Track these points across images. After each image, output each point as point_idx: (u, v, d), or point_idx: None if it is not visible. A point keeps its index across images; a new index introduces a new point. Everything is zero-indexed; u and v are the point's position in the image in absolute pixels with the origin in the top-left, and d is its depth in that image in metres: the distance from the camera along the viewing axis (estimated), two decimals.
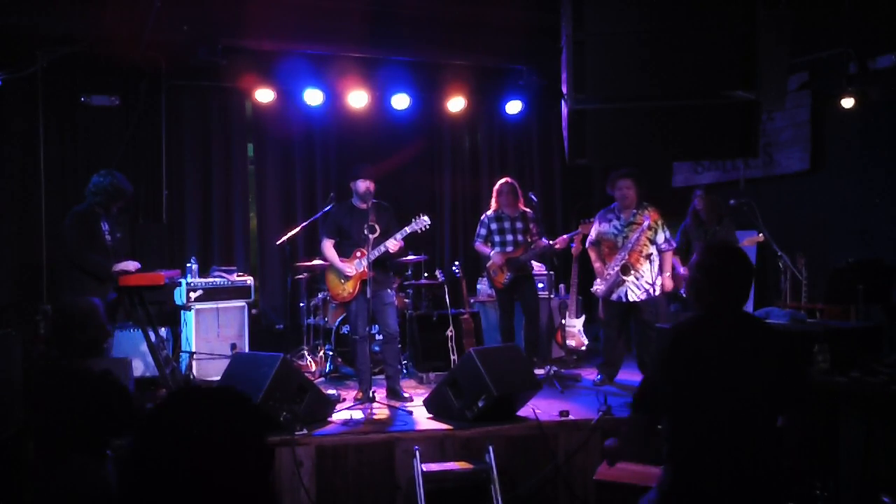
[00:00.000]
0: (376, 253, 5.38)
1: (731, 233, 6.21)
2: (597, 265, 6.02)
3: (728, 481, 2.58)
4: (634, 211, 5.86)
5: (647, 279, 5.82)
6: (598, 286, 5.95)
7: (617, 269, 5.83)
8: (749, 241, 6.16)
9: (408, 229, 5.46)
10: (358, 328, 5.51)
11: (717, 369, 2.63)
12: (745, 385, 2.62)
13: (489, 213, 6.44)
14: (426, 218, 5.54)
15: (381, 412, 5.09)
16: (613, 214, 5.97)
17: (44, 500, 3.05)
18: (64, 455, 3.00)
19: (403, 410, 5.12)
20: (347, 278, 5.47)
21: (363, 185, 5.49)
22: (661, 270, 5.89)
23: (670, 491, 2.68)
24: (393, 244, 5.38)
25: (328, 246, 5.57)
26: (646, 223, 5.80)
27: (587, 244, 6.11)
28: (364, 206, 5.52)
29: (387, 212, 5.60)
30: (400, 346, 5.83)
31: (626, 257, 5.80)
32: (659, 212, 5.93)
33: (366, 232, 5.38)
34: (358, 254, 5.47)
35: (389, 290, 5.63)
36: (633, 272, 5.80)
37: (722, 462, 2.59)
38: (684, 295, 6.18)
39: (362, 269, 5.40)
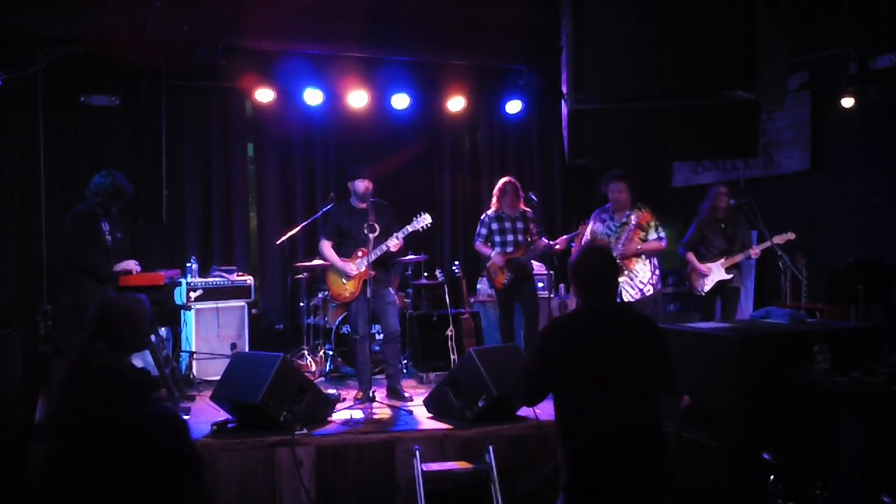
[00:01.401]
0: (378, 252, 5.39)
1: (746, 232, 6.20)
2: None
3: (617, 463, 2.78)
4: (628, 212, 5.86)
5: (640, 279, 5.82)
6: None
7: None
8: (779, 238, 6.09)
9: (409, 228, 5.46)
10: (359, 328, 5.51)
11: (593, 357, 2.85)
12: (620, 370, 2.84)
13: (489, 212, 6.43)
14: (427, 216, 5.54)
15: (381, 412, 5.10)
16: (607, 214, 5.99)
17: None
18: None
19: (403, 410, 5.13)
20: (349, 278, 5.47)
21: (362, 185, 5.49)
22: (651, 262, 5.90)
23: (571, 483, 2.88)
24: (394, 243, 5.39)
25: (327, 246, 5.57)
26: (633, 222, 5.79)
27: (582, 245, 6.12)
28: (363, 205, 5.53)
29: (386, 211, 5.61)
30: (400, 345, 5.84)
31: (618, 257, 5.81)
32: (653, 212, 5.93)
33: (366, 231, 5.39)
34: (359, 253, 5.47)
35: (390, 290, 5.64)
36: (625, 272, 5.81)
37: (609, 445, 2.79)
38: (700, 292, 6.17)
39: (364, 269, 5.41)
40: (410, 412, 5.06)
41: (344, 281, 5.50)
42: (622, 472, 2.77)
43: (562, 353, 2.86)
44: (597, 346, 2.86)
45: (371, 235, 5.39)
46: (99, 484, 2.95)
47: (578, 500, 2.87)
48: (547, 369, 2.89)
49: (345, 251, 5.56)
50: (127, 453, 2.97)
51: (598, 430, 2.80)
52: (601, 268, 3.01)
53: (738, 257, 6.04)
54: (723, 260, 6.06)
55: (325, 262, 5.68)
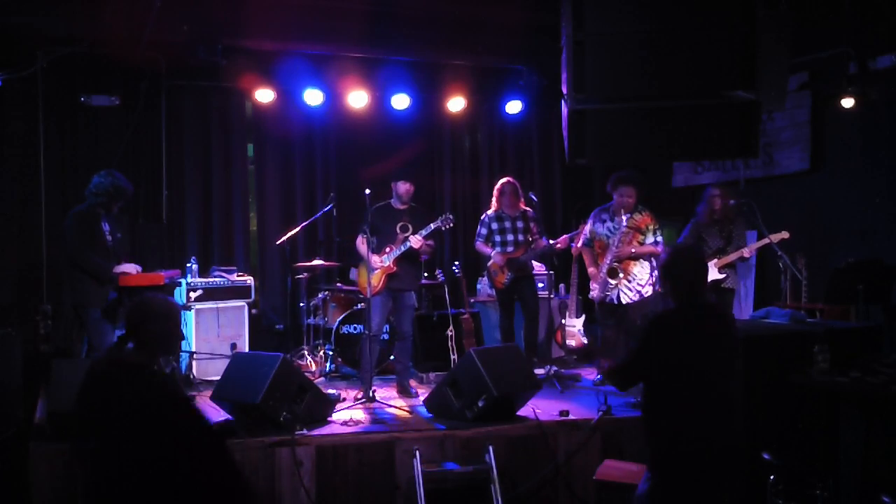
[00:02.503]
0: (402, 248, 5.54)
1: (743, 233, 6.15)
2: (591, 270, 6.01)
3: (708, 450, 3.02)
4: (628, 214, 5.83)
5: (639, 281, 5.81)
6: (594, 291, 5.96)
7: (603, 272, 5.83)
8: (773, 237, 6.06)
9: (432, 226, 5.59)
10: (372, 325, 5.56)
11: (695, 353, 3.06)
12: (716, 366, 3.08)
13: (490, 212, 6.44)
14: (451, 216, 5.68)
15: (380, 412, 5.09)
16: (607, 214, 5.96)
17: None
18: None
19: (403, 410, 5.13)
20: (373, 271, 5.56)
21: (403, 186, 5.69)
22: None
23: (661, 470, 3.08)
24: (416, 240, 5.52)
25: (361, 241, 5.71)
26: (624, 224, 5.77)
27: (580, 245, 6.11)
28: (402, 206, 5.72)
29: (423, 215, 5.75)
30: (411, 346, 5.89)
31: (613, 258, 5.79)
32: (653, 216, 5.91)
33: (398, 230, 5.59)
34: (387, 249, 5.62)
35: (413, 293, 5.74)
36: (620, 274, 5.80)
37: (699, 431, 3.02)
38: None
39: (388, 264, 5.56)
40: (410, 412, 5.07)
41: (369, 274, 5.60)
42: (713, 460, 3.01)
43: (665, 347, 3.07)
44: (699, 343, 3.07)
45: (402, 234, 5.59)
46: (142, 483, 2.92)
47: (669, 485, 3.07)
48: (647, 360, 3.11)
49: (376, 248, 5.67)
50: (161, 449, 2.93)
51: (694, 420, 3.02)
52: (695, 266, 3.21)
53: (731, 257, 6.00)
54: (716, 260, 6.04)
55: (327, 263, 5.70)
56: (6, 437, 4.58)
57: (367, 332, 5.61)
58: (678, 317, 3.18)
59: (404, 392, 5.62)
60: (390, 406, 5.22)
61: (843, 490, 3.69)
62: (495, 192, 6.43)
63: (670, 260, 3.25)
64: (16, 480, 4.17)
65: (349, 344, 6.46)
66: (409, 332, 5.73)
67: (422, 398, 5.22)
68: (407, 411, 5.10)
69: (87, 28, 6.20)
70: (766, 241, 5.99)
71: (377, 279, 5.58)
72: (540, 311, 6.39)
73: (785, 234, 5.94)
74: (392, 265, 5.58)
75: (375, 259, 5.58)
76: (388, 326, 6.37)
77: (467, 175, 8.62)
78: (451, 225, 5.70)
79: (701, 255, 3.44)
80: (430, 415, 4.94)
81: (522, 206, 6.39)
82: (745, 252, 5.96)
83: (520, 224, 6.32)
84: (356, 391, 5.57)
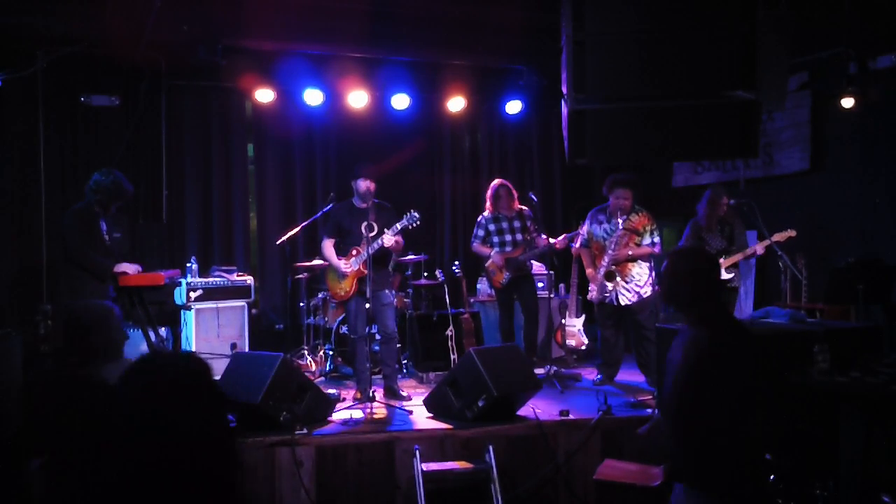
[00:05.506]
0: (371, 249, 5.36)
1: (743, 232, 6.14)
2: (589, 271, 6.00)
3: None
4: (625, 217, 5.83)
5: (637, 282, 5.81)
6: (592, 292, 5.95)
7: (601, 275, 5.83)
8: (780, 235, 6.03)
9: (398, 225, 5.42)
10: (357, 328, 5.51)
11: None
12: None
13: (486, 214, 6.46)
14: (416, 213, 5.47)
15: (380, 412, 5.09)
16: (604, 216, 5.95)
17: None
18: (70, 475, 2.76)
19: (403, 410, 5.12)
20: (344, 276, 5.48)
21: (363, 184, 5.51)
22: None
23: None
24: (388, 239, 5.35)
25: (328, 245, 5.58)
26: (620, 227, 5.76)
27: (578, 246, 6.11)
28: (364, 205, 5.54)
29: (387, 212, 5.61)
30: (400, 345, 5.83)
31: (610, 262, 5.79)
32: (650, 217, 5.90)
33: (364, 230, 5.39)
34: (354, 252, 5.48)
35: (388, 291, 5.62)
36: (618, 277, 5.80)
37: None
38: None
39: (357, 267, 5.42)
40: (410, 412, 5.06)
41: (339, 279, 5.52)
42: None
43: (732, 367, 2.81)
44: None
45: (368, 234, 5.38)
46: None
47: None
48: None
49: (343, 250, 5.58)
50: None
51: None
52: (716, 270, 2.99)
53: (737, 257, 5.99)
54: (722, 259, 6.03)
55: (325, 262, 5.69)
56: (6, 438, 4.57)
57: (352, 335, 5.56)
58: (742, 334, 2.92)
59: (393, 396, 5.47)
60: (390, 406, 5.22)
61: (843, 490, 3.68)
62: (489, 196, 6.44)
63: (695, 264, 2.94)
64: (15, 481, 4.16)
65: (349, 344, 6.45)
66: (394, 330, 5.57)
67: (421, 398, 5.21)
68: (407, 411, 5.10)
69: (86, 28, 6.20)
70: (774, 239, 5.96)
71: (349, 284, 5.47)
72: (540, 311, 6.39)
73: (791, 233, 5.90)
74: (362, 268, 5.40)
75: (343, 264, 5.46)
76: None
77: (467, 175, 8.63)
78: (418, 223, 5.45)
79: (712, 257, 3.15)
80: (430, 415, 4.94)
81: (518, 206, 6.39)
82: (758, 250, 5.89)
83: (517, 224, 6.33)
84: (355, 391, 5.56)
